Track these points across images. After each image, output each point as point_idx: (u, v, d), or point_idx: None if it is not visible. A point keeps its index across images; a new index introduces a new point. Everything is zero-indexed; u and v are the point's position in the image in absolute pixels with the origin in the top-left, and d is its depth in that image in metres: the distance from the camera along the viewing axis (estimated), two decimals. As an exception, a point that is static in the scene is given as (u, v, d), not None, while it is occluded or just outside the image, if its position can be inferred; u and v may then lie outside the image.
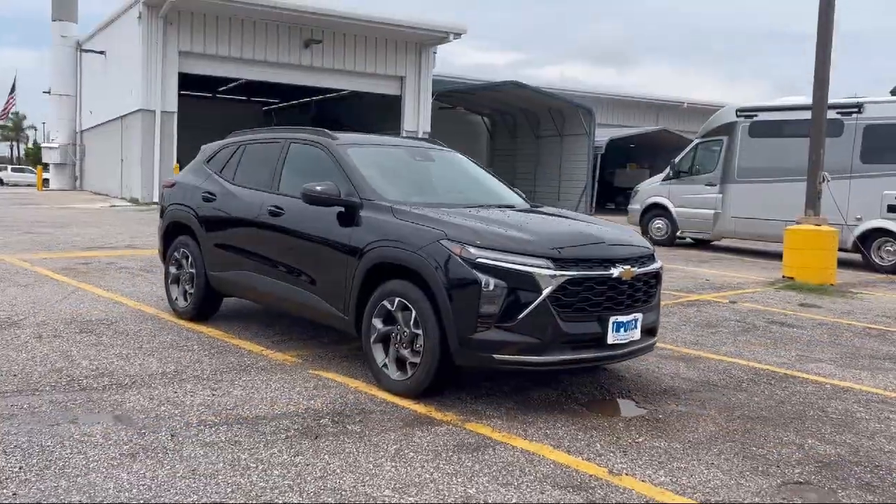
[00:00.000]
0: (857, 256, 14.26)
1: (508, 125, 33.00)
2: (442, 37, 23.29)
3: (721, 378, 5.63)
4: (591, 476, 3.66)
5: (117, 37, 23.88)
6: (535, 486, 3.50)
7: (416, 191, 5.65)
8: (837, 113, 14.15)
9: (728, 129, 15.95)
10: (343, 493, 3.35)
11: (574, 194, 28.94)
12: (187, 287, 6.72)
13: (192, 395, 4.64)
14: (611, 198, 32.69)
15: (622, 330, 4.69)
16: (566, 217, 5.55)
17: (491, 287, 4.39)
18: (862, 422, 4.73)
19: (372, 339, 4.95)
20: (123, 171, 23.12)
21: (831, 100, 14.88)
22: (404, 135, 24.53)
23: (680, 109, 38.08)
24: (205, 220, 6.48)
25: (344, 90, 26.21)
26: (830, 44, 11.36)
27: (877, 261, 13.76)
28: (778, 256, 14.79)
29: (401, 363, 4.81)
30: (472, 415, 4.51)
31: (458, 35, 23.12)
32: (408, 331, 4.73)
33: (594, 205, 28.97)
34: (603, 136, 29.31)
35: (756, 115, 15.51)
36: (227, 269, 6.27)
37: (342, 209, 5.29)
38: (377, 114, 26.39)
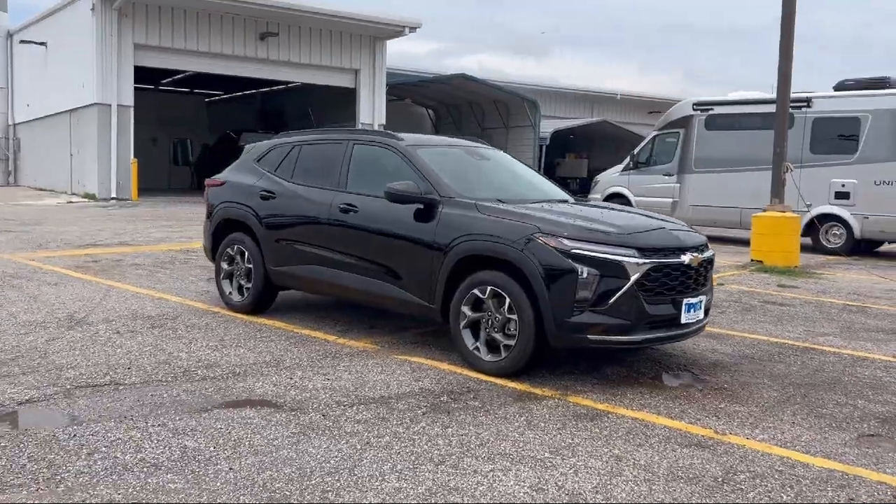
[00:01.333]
0: (807, 240, 15.39)
1: (454, 117, 33.52)
2: (398, 30, 23.62)
3: (754, 352, 6.32)
4: (702, 436, 4.24)
5: (62, 28, 23.28)
6: (666, 446, 4.07)
7: (481, 188, 6.13)
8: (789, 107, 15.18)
9: (685, 122, 16.91)
10: (512, 457, 3.84)
11: (521, 184, 29.67)
12: (242, 282, 7.02)
13: (309, 381, 5.01)
14: (554, 187, 33.60)
15: (691, 311, 5.31)
16: (624, 210, 6.13)
17: (585, 275, 4.93)
18: (893, 384, 5.47)
19: (461, 325, 5.42)
20: (74, 165, 22.63)
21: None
22: (360, 127, 24.80)
23: (614, 101, 39.26)
24: (265, 218, 6.79)
25: (293, 82, 26.23)
26: (792, 41, 12.29)
27: (825, 243, 14.92)
28: (734, 241, 15.87)
29: (492, 346, 5.30)
30: (566, 390, 5.04)
31: (413, 29, 23.48)
32: (500, 316, 5.23)
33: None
34: (547, 127, 30.16)
35: (711, 109, 16.50)
36: (291, 264, 6.61)
37: (421, 206, 5.73)
38: (330, 106, 26.52)
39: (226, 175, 7.49)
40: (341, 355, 5.70)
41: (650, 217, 5.92)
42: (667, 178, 17.12)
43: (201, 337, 6.11)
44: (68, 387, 4.73)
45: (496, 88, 29.19)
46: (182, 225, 15.12)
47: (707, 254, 5.57)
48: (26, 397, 4.50)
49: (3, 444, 3.77)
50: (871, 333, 7.27)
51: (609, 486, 3.52)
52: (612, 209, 6.10)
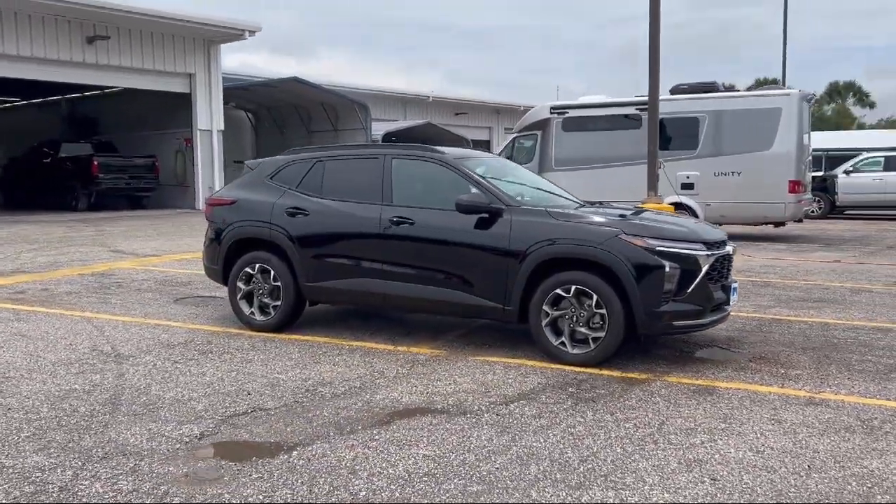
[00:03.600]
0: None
1: (277, 120, 33.01)
2: (236, 34, 22.98)
3: (740, 326, 7.35)
4: (806, 397, 5.08)
5: None
6: (793, 407, 4.86)
7: (524, 194, 6.64)
8: (637, 109, 16.98)
9: (543, 124, 18.23)
10: (700, 429, 4.44)
11: (355, 186, 29.96)
12: (266, 300, 6.99)
13: (435, 387, 5.28)
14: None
15: (734, 294, 6.21)
16: (638, 210, 6.91)
17: (668, 269, 5.64)
18: (875, 342, 6.72)
19: (544, 323, 5.93)
20: None
21: (631, 98, 17.83)
22: (198, 133, 23.86)
23: (426, 102, 40.54)
24: (298, 235, 6.81)
25: (114, 87, 24.63)
26: (658, 52, 13.85)
27: (675, 230, 16.85)
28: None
29: (577, 339, 5.85)
30: (652, 372, 5.71)
31: (253, 32, 22.97)
32: (585, 312, 5.80)
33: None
34: (379, 129, 30.68)
35: (567, 112, 17.95)
36: (332, 279, 6.71)
37: (486, 215, 6.15)
38: (158, 112, 25.17)
39: (234, 193, 7.35)
40: (427, 363, 5.96)
41: (676, 217, 6.75)
42: (528, 176, 18.35)
43: (264, 358, 6.08)
44: (218, 417, 4.66)
45: (326, 91, 29.22)
46: (55, 247, 13.96)
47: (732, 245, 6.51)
48: (196, 432, 4.41)
49: (259, 476, 3.77)
50: (802, 303, 8.66)
51: (805, 442, 4.23)
52: (642, 211, 6.84)
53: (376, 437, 4.32)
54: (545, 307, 5.91)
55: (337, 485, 3.68)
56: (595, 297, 5.74)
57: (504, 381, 5.43)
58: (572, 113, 17.94)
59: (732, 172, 16.24)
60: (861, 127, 59.65)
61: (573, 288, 5.81)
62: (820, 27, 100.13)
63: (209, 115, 23.88)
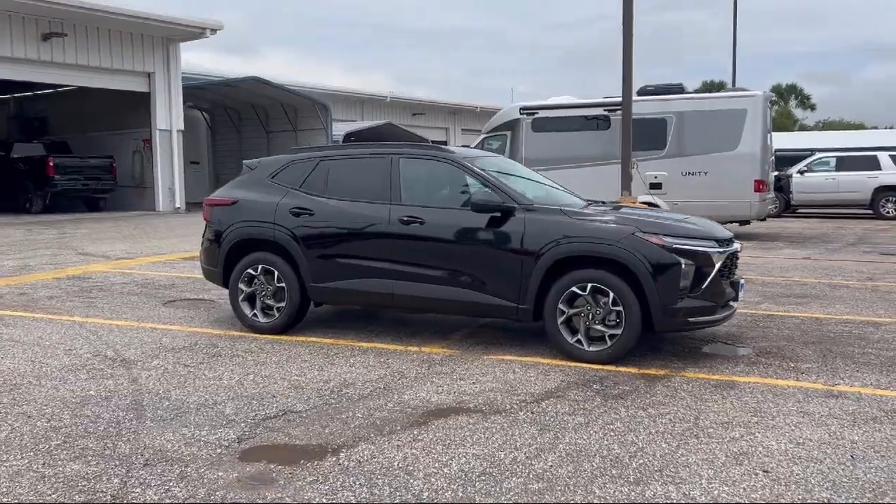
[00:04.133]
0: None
1: (233, 119, 32.54)
2: (197, 32, 22.55)
3: (739, 322, 7.52)
4: (824, 390, 5.20)
5: None
6: (816, 400, 4.98)
7: (533, 192, 6.66)
8: (605, 111, 17.23)
9: (512, 125, 18.33)
10: (734, 422, 4.52)
11: (315, 187, 29.71)
12: (270, 302, 6.89)
13: (461, 387, 5.27)
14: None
15: (741, 290, 6.33)
16: (656, 210, 7.00)
17: (684, 266, 5.73)
18: (869, 335, 6.92)
19: (559, 322, 5.96)
20: None
21: (599, 99, 18.05)
22: (157, 133, 23.38)
23: (384, 103, 40.41)
24: (303, 235, 6.73)
25: (70, 86, 23.96)
26: (632, 54, 14.04)
27: (644, 229, 17.12)
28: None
29: (593, 337, 5.90)
30: (670, 369, 5.78)
31: (214, 31, 22.58)
32: (601, 309, 5.85)
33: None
34: (339, 129, 30.47)
35: (537, 113, 18.08)
36: (338, 279, 6.64)
37: (498, 214, 6.16)
38: (114, 112, 24.56)
39: (235, 193, 7.21)
40: (444, 362, 5.94)
41: (683, 215, 6.86)
42: (497, 176, 18.43)
43: (277, 360, 5.98)
44: (250, 421, 4.58)
45: (287, 91, 28.90)
46: (19, 250, 13.53)
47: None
48: (232, 436, 4.32)
49: (314, 479, 3.71)
50: (788, 298, 8.88)
51: (839, 433, 4.34)
52: (651, 210, 6.94)
53: (419, 437, 4.29)
54: (561, 305, 5.94)
55: (396, 486, 3.64)
56: (612, 294, 5.79)
57: (527, 380, 5.45)
58: (542, 114, 18.08)
59: (699, 172, 16.56)
60: (804, 128, 61.46)
61: (590, 286, 5.85)
62: (762, 32, 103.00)
63: (168, 115, 23.40)
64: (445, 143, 43.68)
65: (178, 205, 24.08)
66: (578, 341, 5.92)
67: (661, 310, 5.72)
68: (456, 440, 4.25)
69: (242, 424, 4.52)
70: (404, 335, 6.85)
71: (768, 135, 16.68)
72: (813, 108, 71.04)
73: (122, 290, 9.41)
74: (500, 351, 6.28)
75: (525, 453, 4.05)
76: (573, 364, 5.85)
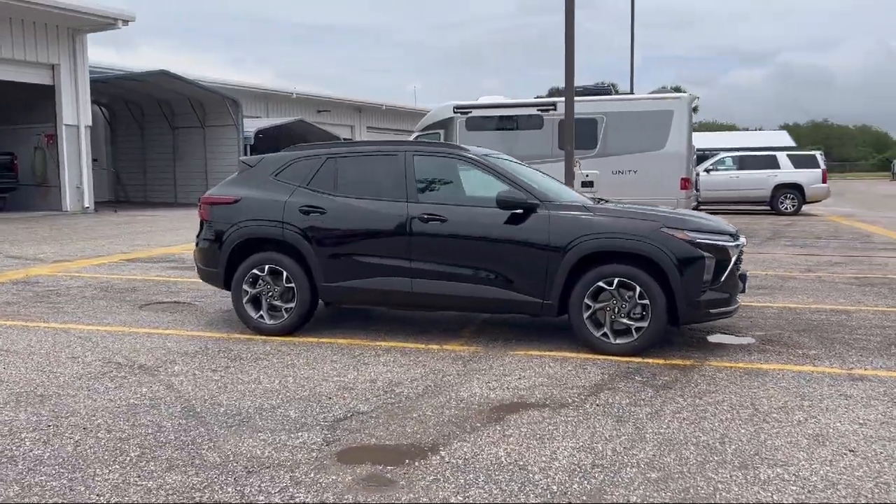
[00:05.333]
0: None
1: (135, 115, 31.16)
2: (108, 22, 21.40)
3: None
4: (844, 374, 5.54)
5: None
6: (846, 384, 5.31)
7: (547, 188, 6.75)
8: (538, 110, 17.60)
9: (446, 123, 18.42)
10: (788, 407, 4.77)
11: (226, 186, 28.85)
12: (277, 303, 6.72)
13: (510, 383, 5.31)
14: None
15: (747, 281, 6.66)
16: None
17: (706, 260, 5.98)
18: (849, 323, 7.42)
19: (585, 316, 6.10)
20: None
21: (532, 99, 18.40)
22: (63, 129, 22.10)
23: (290, 99, 39.67)
24: (315, 234, 6.59)
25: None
26: (573, 52, 14.40)
27: (576, 226, 17.61)
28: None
29: (617, 330, 6.07)
30: (693, 359, 6.02)
31: (126, 22, 21.50)
32: (627, 303, 6.03)
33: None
34: (249, 126, 29.71)
35: (470, 112, 18.24)
36: (353, 278, 6.55)
37: (522, 211, 6.24)
38: (10, 106, 23.01)
39: (237, 191, 6.96)
40: (476, 360, 5.96)
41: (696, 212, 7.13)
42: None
43: (304, 362, 5.85)
44: (324, 423, 4.47)
45: (196, 86, 27.92)
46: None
47: (737, 238, 6.97)
48: (317, 439, 4.21)
49: (434, 478, 3.68)
50: (752, 290, 9.35)
51: (890, 412, 4.65)
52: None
53: (507, 433, 4.32)
54: (587, 300, 6.08)
55: (522, 481, 3.66)
56: (638, 288, 5.97)
57: (568, 373, 5.55)
58: (476, 113, 18.25)
59: (629, 171, 17.18)
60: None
61: (616, 280, 6.02)
62: (639, 35, 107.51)
63: (75, 110, 22.15)
64: (350, 139, 43.32)
65: (87, 204, 22.83)
66: (605, 335, 6.07)
67: (687, 302, 5.95)
68: (545, 434, 4.29)
69: (317, 427, 4.41)
70: (414, 333, 6.82)
71: (691, 135, 17.49)
72: (695, 109, 74.68)
73: (82, 294, 8.90)
74: (521, 346, 6.36)
75: (621, 444, 4.15)
76: (601, 357, 5.99)
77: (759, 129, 71.34)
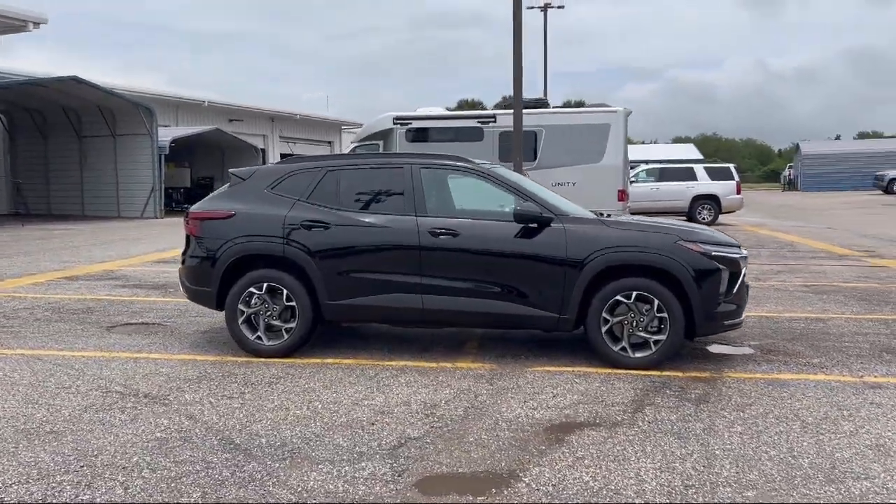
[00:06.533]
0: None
1: (38, 123, 29.43)
2: (18, 25, 20.10)
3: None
4: (862, 383, 5.67)
5: None
6: (871, 391, 5.45)
7: (555, 202, 6.67)
8: (478, 122, 17.63)
9: (385, 134, 18.20)
10: (828, 419, 4.84)
11: (140, 197, 27.64)
12: (276, 323, 6.39)
13: (539, 401, 5.19)
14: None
15: (749, 292, 6.78)
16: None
17: (722, 272, 6.04)
18: (832, 330, 7.66)
19: (603, 331, 6.06)
20: None
21: (472, 111, 18.38)
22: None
23: (201, 108, 38.38)
24: (319, 250, 6.30)
25: None
26: (521, 67, 14.51)
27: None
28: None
29: (634, 344, 6.05)
30: (710, 371, 6.05)
31: (37, 24, 20.24)
32: (644, 317, 6.02)
33: (164, 206, 28.17)
34: (164, 135, 28.54)
35: (410, 123, 18.09)
36: (361, 295, 6.29)
37: (536, 225, 6.15)
38: None
39: (230, 205, 6.56)
40: (499, 378, 5.80)
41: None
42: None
43: (321, 386, 5.56)
44: (381, 452, 4.24)
45: (108, 93, 26.60)
46: None
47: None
48: (384, 469, 3.97)
49: (533, 508, 3.51)
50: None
51: (927, 420, 4.80)
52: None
53: (577, 455, 4.19)
54: (604, 314, 6.03)
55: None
56: (656, 301, 5.97)
57: (598, 390, 5.47)
58: (416, 124, 18.11)
59: (568, 182, 17.38)
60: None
61: (634, 294, 5.99)
62: (530, 50, 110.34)
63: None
64: (264, 150, 42.34)
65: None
66: (623, 349, 6.04)
67: (704, 315, 5.99)
68: (617, 455, 4.19)
69: (377, 457, 4.16)
70: (417, 351, 6.62)
71: (627, 148, 17.90)
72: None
73: (34, 316, 8.24)
74: (532, 362, 6.25)
75: (698, 463, 4.09)
76: (620, 372, 5.95)
77: (655, 143, 74.20)
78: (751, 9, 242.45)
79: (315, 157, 6.91)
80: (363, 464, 4.05)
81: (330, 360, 6.29)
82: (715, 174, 25.87)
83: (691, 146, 50.02)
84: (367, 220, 6.35)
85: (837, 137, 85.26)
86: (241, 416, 4.85)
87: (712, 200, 25.16)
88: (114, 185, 28.32)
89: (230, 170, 7.03)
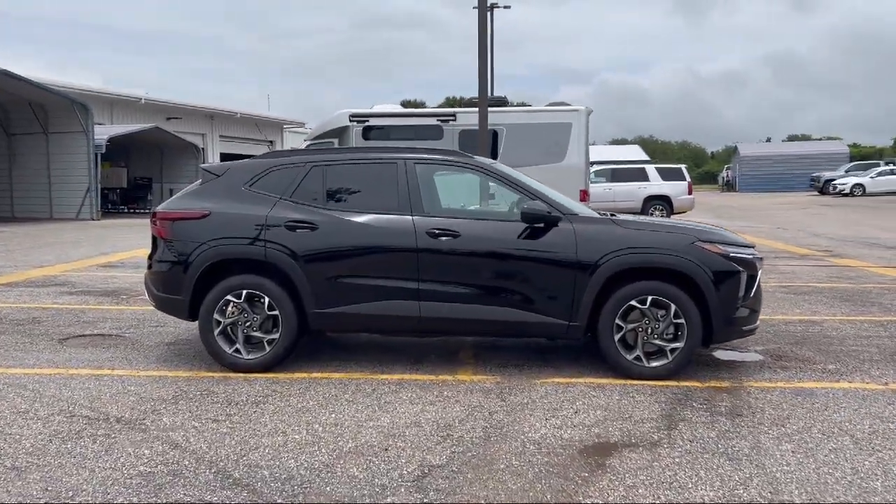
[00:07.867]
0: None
1: (-37, 120, 27.77)
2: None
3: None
4: (888, 390, 5.38)
5: None
6: (884, 397, 5.17)
7: (559, 200, 6.22)
8: (438, 120, 17.12)
9: (340, 132, 17.54)
10: (871, 431, 4.51)
11: (75, 197, 26.29)
12: (257, 334, 5.78)
13: (560, 418, 4.73)
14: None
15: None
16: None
17: (741, 274, 5.68)
18: (835, 334, 7.42)
19: (616, 339, 5.63)
20: None
21: (431, 109, 17.89)
22: None
23: (138, 105, 36.94)
24: (306, 253, 5.72)
25: None
26: (486, 70, 14.09)
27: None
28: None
29: (649, 352, 5.64)
30: (730, 381, 5.65)
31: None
32: (660, 323, 5.61)
33: (101, 208, 26.86)
34: (101, 133, 27.22)
35: (367, 121, 17.47)
36: (352, 302, 5.73)
37: (543, 225, 5.69)
38: None
39: (204, 204, 5.91)
40: (508, 393, 5.31)
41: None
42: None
43: (315, 405, 4.99)
44: (404, 483, 3.71)
45: (38, 88, 25.20)
46: None
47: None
48: (417, 500, 3.45)
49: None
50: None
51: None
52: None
53: (628, 482, 3.75)
54: (618, 321, 5.61)
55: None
56: (673, 306, 5.57)
57: (619, 404, 5.04)
58: (373, 122, 17.50)
59: (530, 182, 17.05)
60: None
61: (649, 298, 5.59)
62: (468, 52, 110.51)
63: None
64: (203, 149, 40.98)
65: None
66: (637, 358, 5.62)
67: (723, 320, 5.62)
68: (672, 482, 3.75)
69: (402, 489, 3.64)
70: (409, 363, 6.09)
71: (588, 147, 17.64)
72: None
73: (-25, 327, 7.41)
74: (537, 372, 5.80)
75: (762, 488, 3.68)
76: (636, 382, 5.53)
77: (593, 144, 74.80)
78: (681, 16, 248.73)
79: (298, 151, 6.31)
80: (388, 498, 3.52)
81: (317, 375, 5.72)
82: (667, 175, 25.94)
83: (637, 147, 50.46)
84: (358, 220, 5.79)
85: (768, 140, 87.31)
86: (233, 442, 4.25)
87: (664, 201, 25.19)
88: (46, 184, 26.90)
89: (201, 165, 6.40)
